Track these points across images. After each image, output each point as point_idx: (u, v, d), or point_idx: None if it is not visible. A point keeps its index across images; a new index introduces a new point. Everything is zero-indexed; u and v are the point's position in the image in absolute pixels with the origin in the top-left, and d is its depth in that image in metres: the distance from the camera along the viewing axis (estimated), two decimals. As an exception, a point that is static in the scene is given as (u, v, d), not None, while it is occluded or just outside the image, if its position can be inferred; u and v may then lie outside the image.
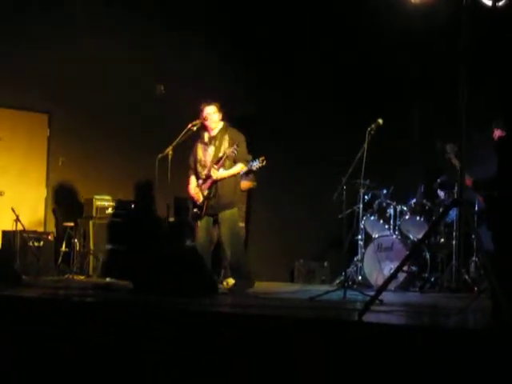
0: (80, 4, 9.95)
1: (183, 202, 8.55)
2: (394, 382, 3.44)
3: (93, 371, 4.59)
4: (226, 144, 7.15)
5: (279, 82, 10.53)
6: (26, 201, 9.66)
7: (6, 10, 9.59)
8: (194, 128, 7.37)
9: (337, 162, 7.99)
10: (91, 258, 9.09)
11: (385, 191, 8.88)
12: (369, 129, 6.97)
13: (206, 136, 7.32)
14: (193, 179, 7.37)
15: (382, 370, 3.48)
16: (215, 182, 7.10)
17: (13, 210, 8.76)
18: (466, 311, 4.71)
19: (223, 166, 7.08)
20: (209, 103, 7.26)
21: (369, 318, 3.98)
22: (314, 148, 10.15)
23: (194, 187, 7.31)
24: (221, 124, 7.27)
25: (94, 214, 9.31)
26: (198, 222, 7.27)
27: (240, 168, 7.24)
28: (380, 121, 7.03)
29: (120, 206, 9.56)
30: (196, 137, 7.46)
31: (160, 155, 7.37)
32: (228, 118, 7.39)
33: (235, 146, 6.99)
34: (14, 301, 5.35)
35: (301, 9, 10.32)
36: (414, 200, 8.57)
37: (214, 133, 7.27)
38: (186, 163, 7.51)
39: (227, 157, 7.04)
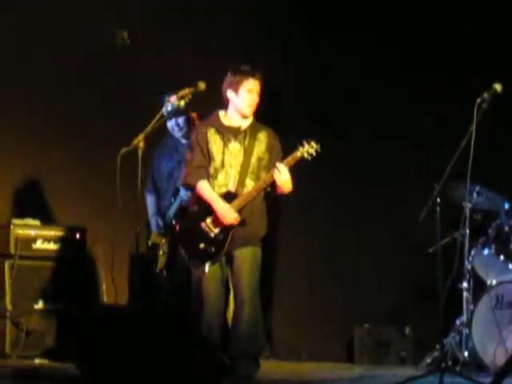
0: None
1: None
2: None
3: None
4: (262, 147, 5.60)
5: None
6: None
7: None
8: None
9: (421, 160, 6.65)
10: (8, 324, 6.62)
11: (507, 206, 6.92)
12: (479, 100, 5.18)
13: (226, 121, 5.59)
14: (205, 185, 5.48)
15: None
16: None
17: None
18: None
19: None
20: (251, 74, 5.46)
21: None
22: (384, 138, 7.55)
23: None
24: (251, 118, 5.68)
25: (11, 249, 6.78)
26: (207, 267, 5.44)
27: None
28: (497, 87, 5.22)
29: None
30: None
31: (124, 149, 5.67)
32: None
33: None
34: None
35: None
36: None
37: (242, 125, 5.59)
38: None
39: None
